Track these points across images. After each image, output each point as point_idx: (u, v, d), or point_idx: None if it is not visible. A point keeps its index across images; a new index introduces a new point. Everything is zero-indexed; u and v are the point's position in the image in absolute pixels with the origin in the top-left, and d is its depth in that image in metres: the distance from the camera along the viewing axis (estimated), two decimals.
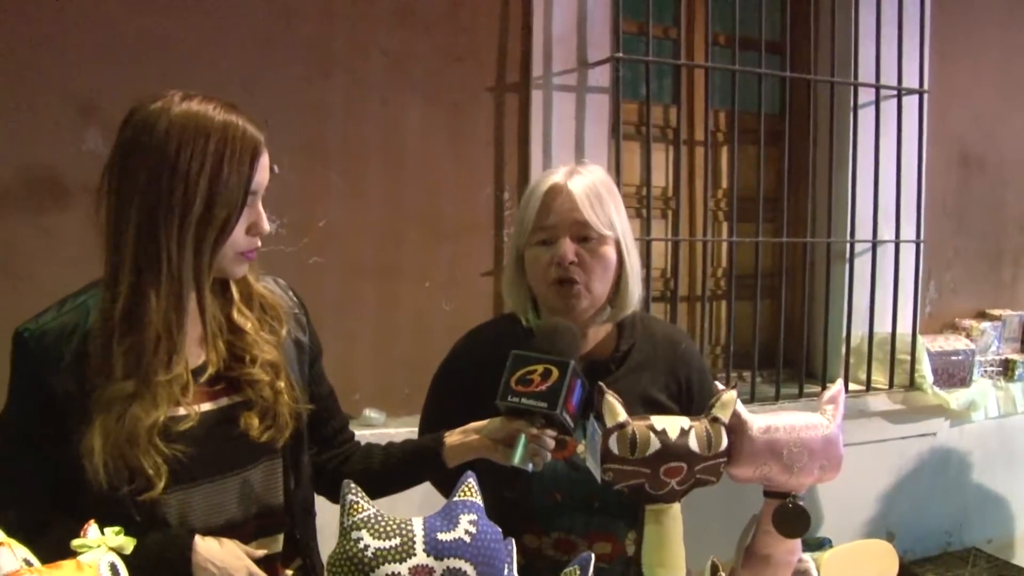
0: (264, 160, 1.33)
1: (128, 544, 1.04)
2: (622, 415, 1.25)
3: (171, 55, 2.58)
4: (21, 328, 1.33)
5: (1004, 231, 4.11)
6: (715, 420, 1.29)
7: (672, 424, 1.26)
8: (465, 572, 0.93)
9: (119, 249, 1.28)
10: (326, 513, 1.56)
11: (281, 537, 1.47)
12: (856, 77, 3.52)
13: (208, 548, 1.29)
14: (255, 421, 1.37)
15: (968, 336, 3.89)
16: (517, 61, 3.00)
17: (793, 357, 3.56)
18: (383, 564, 0.91)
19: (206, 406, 1.36)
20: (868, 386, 3.58)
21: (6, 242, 2.50)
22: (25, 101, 2.48)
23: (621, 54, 3.04)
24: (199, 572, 1.27)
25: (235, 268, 1.36)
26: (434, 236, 2.92)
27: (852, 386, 3.59)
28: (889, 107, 3.59)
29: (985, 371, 3.92)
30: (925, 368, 3.63)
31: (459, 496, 0.99)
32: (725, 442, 1.28)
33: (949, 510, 3.90)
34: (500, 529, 1.00)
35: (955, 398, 3.70)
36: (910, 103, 3.62)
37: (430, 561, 0.92)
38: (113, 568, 1.01)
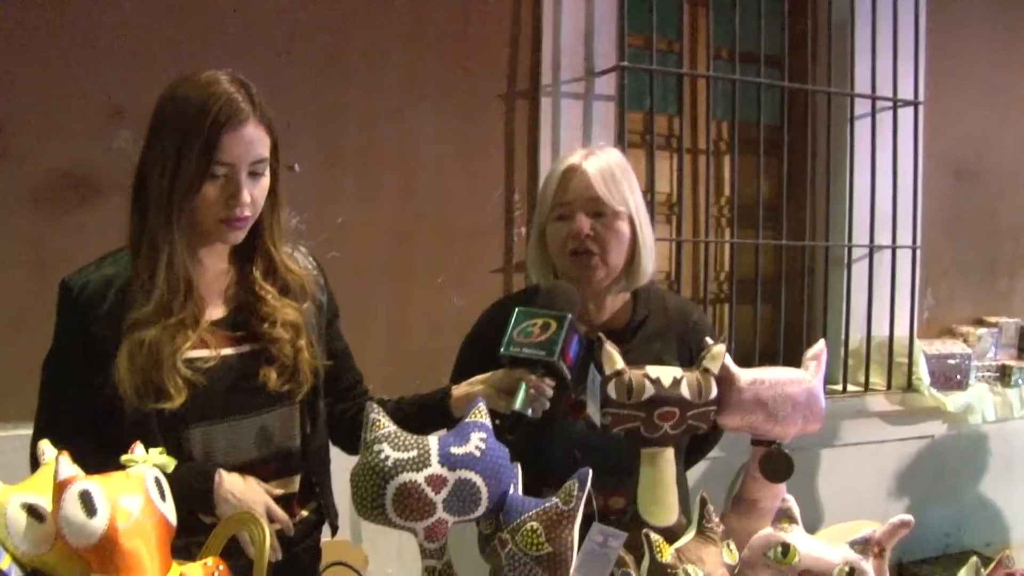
0: (242, 133, 1.40)
1: (169, 463, 1.16)
2: (619, 363, 1.36)
3: (196, 63, 2.71)
4: (66, 278, 1.47)
5: (998, 241, 4.22)
6: (706, 371, 1.40)
7: (666, 373, 1.37)
8: (474, 483, 1.04)
9: (132, 206, 1.45)
10: (340, 463, 1.68)
11: (298, 479, 1.59)
12: (853, 88, 3.65)
13: (231, 481, 1.40)
14: (273, 375, 1.49)
15: (965, 342, 3.98)
16: (527, 70, 3.14)
17: (793, 359, 3.62)
18: (402, 473, 1.01)
19: (227, 351, 1.49)
20: (866, 387, 3.68)
21: (39, 239, 2.62)
22: (58, 105, 2.61)
23: (627, 64, 3.18)
24: (221, 503, 1.38)
25: (223, 235, 1.46)
26: (446, 236, 3.05)
27: (850, 387, 3.69)
28: (885, 118, 3.72)
29: (982, 376, 4.00)
30: (922, 370, 3.72)
31: (471, 418, 1.11)
32: (715, 391, 1.39)
33: (947, 512, 3.97)
34: (507, 450, 1.11)
35: (952, 401, 3.79)
36: (905, 114, 3.75)
37: (444, 471, 1.03)
38: (157, 482, 1.12)
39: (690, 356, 1.74)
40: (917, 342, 3.75)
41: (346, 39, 2.90)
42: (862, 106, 3.69)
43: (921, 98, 3.77)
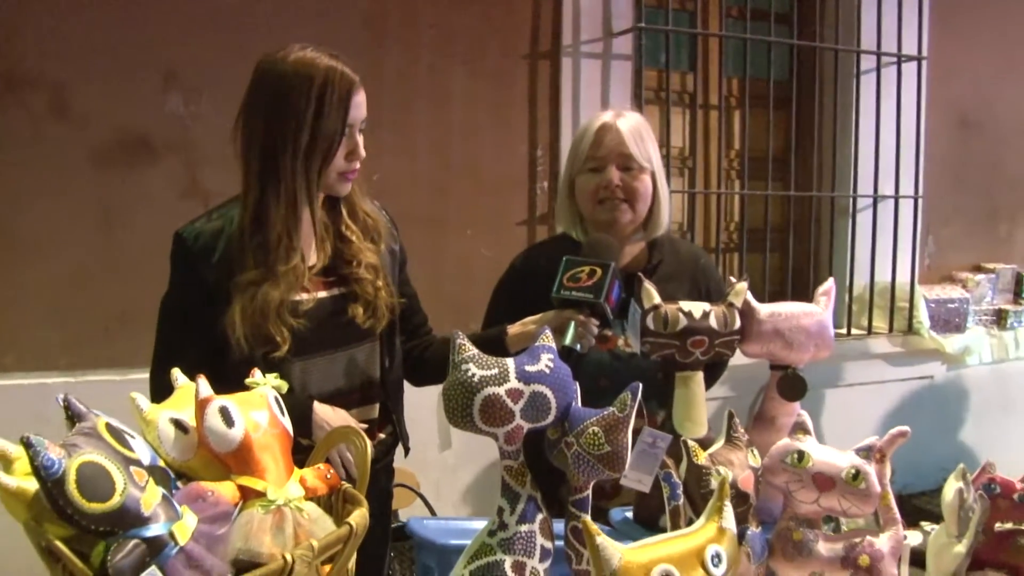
0: (359, 98, 1.64)
1: (283, 386, 1.36)
2: (656, 299, 1.56)
3: (242, 28, 2.90)
4: (180, 230, 1.67)
5: (1000, 190, 4.40)
6: (731, 305, 1.60)
7: (696, 307, 1.58)
8: (546, 395, 1.25)
9: (248, 170, 1.63)
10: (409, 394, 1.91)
11: (377, 407, 1.81)
12: (859, 45, 3.82)
13: (324, 411, 1.63)
14: (360, 311, 1.71)
15: (964, 287, 4.19)
16: (549, 31, 3.32)
17: None
18: (486, 387, 1.22)
19: (322, 294, 1.71)
20: (869, 330, 3.90)
21: (103, 195, 2.82)
22: (118, 70, 2.80)
23: (643, 24, 3.35)
24: (316, 429, 1.60)
25: (339, 187, 1.69)
26: (475, 189, 3.25)
27: (854, 331, 3.91)
28: (890, 73, 3.89)
29: (980, 320, 4.22)
30: (922, 314, 3.94)
31: (539, 343, 1.31)
32: (738, 323, 1.60)
33: (946, 448, 4.18)
34: (570, 369, 1.32)
35: (950, 343, 4.01)
36: (909, 69, 3.92)
37: (520, 385, 1.24)
38: (276, 400, 1.33)
39: (699, 294, 1.96)
40: (918, 287, 3.97)
41: (382, 3, 3.08)
42: (868, 62, 3.86)
43: (925, 53, 3.93)
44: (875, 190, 3.88)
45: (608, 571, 0.98)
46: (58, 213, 2.78)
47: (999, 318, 4.26)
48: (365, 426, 1.72)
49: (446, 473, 3.20)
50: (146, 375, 2.26)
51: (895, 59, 3.88)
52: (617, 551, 1.00)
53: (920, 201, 3.99)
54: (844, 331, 3.88)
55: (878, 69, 3.86)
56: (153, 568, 1.04)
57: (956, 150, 4.22)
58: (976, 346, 4.14)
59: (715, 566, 1.05)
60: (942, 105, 4.10)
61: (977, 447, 4.27)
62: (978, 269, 4.32)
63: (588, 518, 1.05)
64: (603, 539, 0.99)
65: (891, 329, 3.95)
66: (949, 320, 4.03)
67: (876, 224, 3.88)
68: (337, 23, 3.00)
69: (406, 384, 1.92)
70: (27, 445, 1.00)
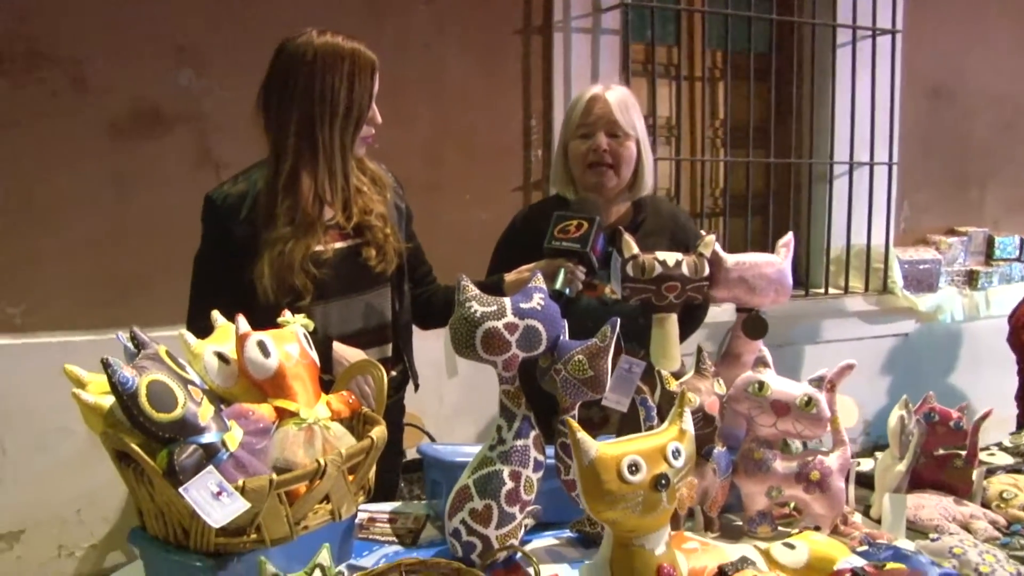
0: (378, 74, 1.87)
1: (309, 325, 1.57)
2: (635, 249, 1.77)
3: (249, 5, 3.07)
4: (210, 193, 1.87)
5: (970, 157, 4.60)
6: (700, 255, 1.81)
7: (670, 256, 1.78)
8: (538, 328, 1.45)
9: (282, 140, 1.82)
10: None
11: (389, 346, 2.01)
12: (835, 19, 4.00)
13: (342, 348, 1.83)
14: (373, 253, 1.92)
15: (938, 249, 4.40)
16: (541, 7, 3.50)
17: None
18: (486, 321, 1.42)
19: (338, 244, 1.91)
20: (846, 290, 4.11)
21: (118, 165, 3.00)
22: (132, 46, 2.97)
23: (630, 1, 3.53)
24: (335, 365, 1.80)
25: (359, 149, 1.91)
26: (472, 157, 3.44)
27: (832, 290, 4.12)
28: (865, 46, 4.07)
29: (952, 280, 4.43)
30: (896, 274, 4.15)
31: (532, 284, 1.52)
32: (707, 271, 1.80)
33: (918, 402, 4.41)
34: (559, 307, 1.52)
35: (923, 301, 4.23)
36: (884, 42, 4.10)
37: (516, 320, 1.44)
38: (305, 336, 1.54)
39: (678, 249, 2.15)
40: (892, 249, 4.17)
41: None
42: (844, 35, 4.04)
43: (899, 26, 4.12)
44: (851, 157, 4.07)
45: (587, 460, 1.19)
46: (77, 183, 2.95)
47: (970, 278, 4.46)
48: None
49: (441, 423, 3.41)
50: (162, 332, 2.45)
51: (870, 32, 4.06)
52: (593, 444, 1.21)
53: (894, 168, 4.19)
54: (822, 290, 4.09)
55: (854, 42, 4.04)
56: (211, 467, 1.24)
57: (928, 119, 4.41)
58: (948, 304, 4.34)
59: (675, 459, 1.26)
60: (915, 76, 4.29)
61: (948, 400, 4.45)
62: (951, 232, 4.52)
63: (571, 418, 1.25)
64: (582, 434, 1.20)
65: (867, 289, 4.16)
66: (922, 280, 4.24)
67: (852, 189, 4.08)
68: (337, 3, 3.17)
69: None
70: (106, 365, 1.20)
